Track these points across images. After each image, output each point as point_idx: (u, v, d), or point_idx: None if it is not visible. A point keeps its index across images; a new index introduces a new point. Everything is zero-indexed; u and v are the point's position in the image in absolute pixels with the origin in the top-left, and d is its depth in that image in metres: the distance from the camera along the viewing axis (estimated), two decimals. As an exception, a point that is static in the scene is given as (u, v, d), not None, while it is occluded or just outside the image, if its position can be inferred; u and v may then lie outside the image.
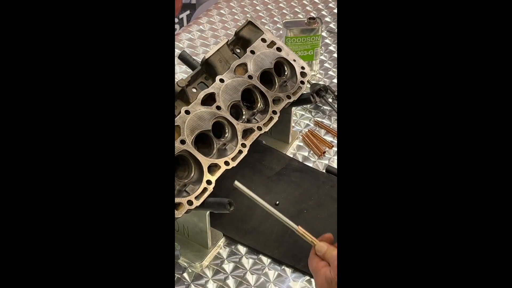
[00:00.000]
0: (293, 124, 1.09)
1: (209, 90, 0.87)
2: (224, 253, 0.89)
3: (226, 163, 0.83)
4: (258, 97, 0.92)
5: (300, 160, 1.04)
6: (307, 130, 1.10)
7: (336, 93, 1.16)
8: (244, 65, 0.93)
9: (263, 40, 0.96)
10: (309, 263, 0.72)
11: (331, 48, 1.33)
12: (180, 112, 0.83)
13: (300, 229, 0.73)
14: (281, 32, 1.34)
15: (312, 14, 1.40)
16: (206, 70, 0.91)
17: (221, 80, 0.89)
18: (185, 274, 0.86)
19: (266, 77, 0.95)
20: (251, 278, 0.86)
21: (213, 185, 0.80)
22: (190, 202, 0.77)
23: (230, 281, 0.85)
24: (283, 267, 0.87)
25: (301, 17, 1.41)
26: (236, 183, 0.73)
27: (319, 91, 1.14)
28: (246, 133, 0.88)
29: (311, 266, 0.71)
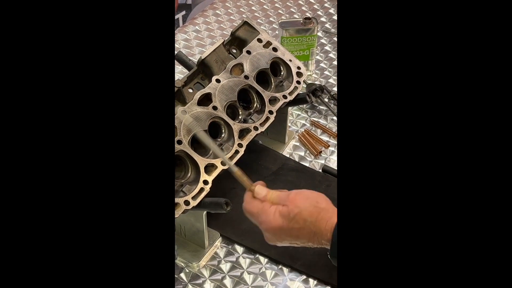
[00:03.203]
0: (289, 124, 1.09)
1: (206, 90, 0.87)
2: (221, 253, 0.89)
3: (223, 163, 0.83)
4: (254, 97, 0.92)
5: (297, 160, 1.05)
6: (303, 130, 1.10)
7: (332, 93, 1.17)
8: (240, 65, 0.93)
9: (259, 40, 0.96)
10: (248, 207, 0.69)
11: (326, 48, 1.34)
12: (176, 112, 0.83)
13: (238, 171, 0.70)
14: (277, 32, 1.34)
15: (308, 14, 1.40)
16: (202, 71, 0.91)
17: (217, 80, 0.89)
18: (182, 274, 0.86)
19: (262, 77, 0.95)
20: (248, 278, 0.86)
21: (210, 185, 0.80)
22: (187, 202, 0.77)
23: (227, 281, 0.85)
24: (280, 266, 0.87)
25: (297, 17, 1.41)
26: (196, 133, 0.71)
27: (315, 91, 1.14)
28: (243, 133, 0.88)
29: (254, 209, 0.68)
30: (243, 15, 1.44)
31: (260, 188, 0.69)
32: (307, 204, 0.66)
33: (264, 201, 0.68)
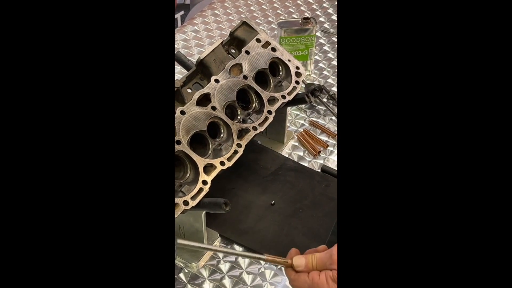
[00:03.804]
0: (288, 124, 1.09)
1: (204, 90, 0.87)
2: (220, 253, 0.89)
3: (222, 163, 0.83)
4: (253, 97, 0.93)
5: (295, 159, 1.05)
6: (302, 130, 1.11)
7: (331, 93, 1.17)
8: (239, 65, 0.93)
9: (258, 40, 0.96)
10: (297, 285, 0.65)
11: (325, 48, 1.34)
12: (175, 113, 0.83)
13: (268, 257, 0.67)
14: (275, 32, 1.34)
15: (306, 14, 1.40)
16: (201, 71, 0.91)
17: (216, 81, 0.89)
18: (181, 275, 0.86)
19: (261, 77, 0.95)
20: (247, 278, 0.86)
21: (208, 185, 0.80)
22: (186, 203, 0.77)
23: (226, 281, 0.85)
24: (279, 266, 0.87)
25: (295, 17, 1.41)
26: (179, 241, 0.67)
27: (313, 91, 1.14)
28: (242, 133, 0.88)
29: (304, 285, 0.64)
30: (242, 15, 1.44)
31: (298, 260, 0.65)
32: None
33: (308, 272, 0.64)
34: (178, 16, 2.05)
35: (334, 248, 0.63)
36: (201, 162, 0.81)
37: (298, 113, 1.15)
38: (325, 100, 1.15)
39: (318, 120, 1.13)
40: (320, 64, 1.28)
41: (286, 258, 0.66)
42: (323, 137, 1.09)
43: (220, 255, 0.88)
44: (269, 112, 0.92)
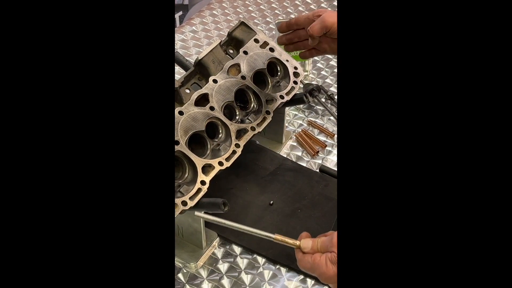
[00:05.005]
0: (286, 124, 1.09)
1: (203, 90, 0.88)
2: (219, 253, 0.89)
3: (220, 163, 0.83)
4: (252, 97, 0.93)
5: (294, 160, 1.05)
6: (300, 130, 1.11)
7: (329, 93, 1.17)
8: (237, 66, 0.93)
9: (256, 41, 0.96)
10: (302, 265, 0.70)
11: (323, 48, 1.34)
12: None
13: (277, 237, 0.71)
14: (273, 32, 1.34)
15: (305, 14, 1.40)
16: (199, 71, 0.91)
17: (214, 81, 0.89)
18: (180, 275, 0.86)
19: (259, 77, 0.95)
20: (246, 278, 0.86)
21: (207, 185, 0.80)
22: (184, 203, 0.77)
23: (225, 281, 0.85)
24: (277, 266, 0.87)
25: (294, 17, 1.41)
26: (196, 213, 0.72)
27: (312, 91, 1.14)
28: (240, 133, 0.88)
29: (307, 265, 0.69)
30: (240, 16, 1.44)
31: (305, 242, 0.70)
32: None
33: (313, 254, 0.69)
34: (176, 16, 2.05)
35: (335, 233, 0.68)
36: (199, 162, 0.81)
37: (297, 113, 1.15)
38: (323, 100, 1.16)
39: (316, 120, 1.13)
40: (318, 64, 1.28)
41: (296, 240, 0.71)
42: (321, 137, 1.09)
43: (219, 255, 0.88)
44: (267, 112, 0.92)
